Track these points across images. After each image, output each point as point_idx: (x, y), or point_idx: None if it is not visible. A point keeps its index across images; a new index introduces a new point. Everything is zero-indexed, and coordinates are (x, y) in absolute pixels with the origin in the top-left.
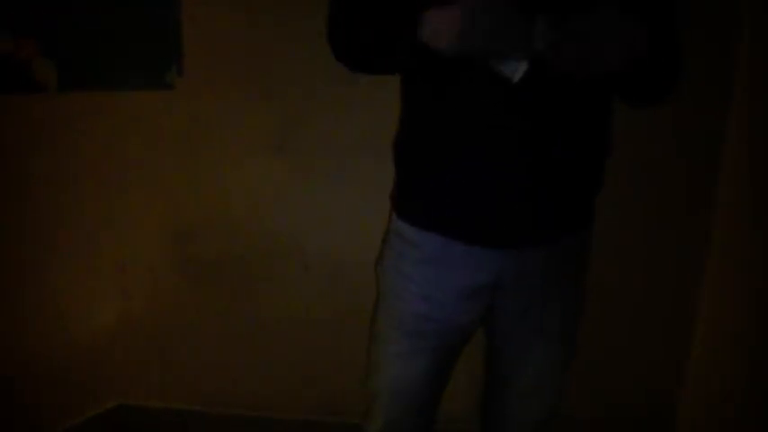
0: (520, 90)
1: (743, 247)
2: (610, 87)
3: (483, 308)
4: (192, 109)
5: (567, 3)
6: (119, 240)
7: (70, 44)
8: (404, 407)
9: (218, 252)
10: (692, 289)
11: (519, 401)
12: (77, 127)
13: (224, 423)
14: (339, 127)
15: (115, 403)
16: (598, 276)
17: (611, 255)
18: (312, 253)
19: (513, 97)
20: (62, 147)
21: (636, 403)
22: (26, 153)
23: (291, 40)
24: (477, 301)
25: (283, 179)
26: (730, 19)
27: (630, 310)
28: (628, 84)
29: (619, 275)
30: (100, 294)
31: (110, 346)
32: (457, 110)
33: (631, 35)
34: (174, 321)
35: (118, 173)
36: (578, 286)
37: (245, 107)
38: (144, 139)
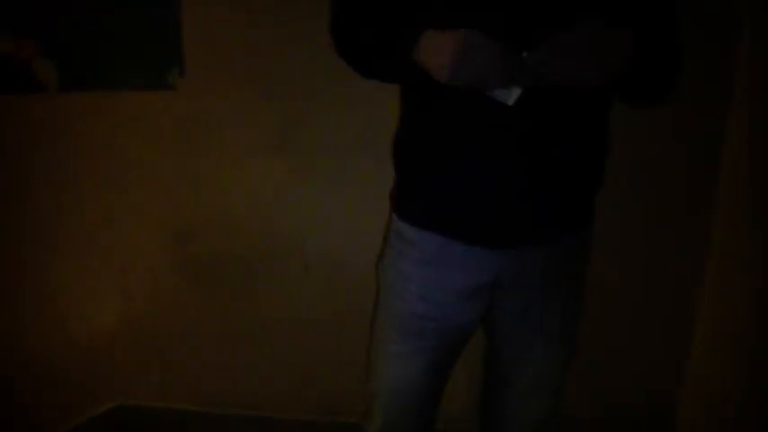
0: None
1: (743, 247)
2: (607, 91)
3: (482, 308)
4: (191, 109)
5: (552, 28)
6: (119, 240)
7: (70, 44)
8: (403, 406)
9: (218, 252)
10: (692, 289)
11: (519, 401)
12: (77, 127)
13: (224, 423)
14: (339, 127)
15: (115, 404)
16: (598, 276)
17: (611, 255)
18: (312, 253)
19: None
20: (62, 147)
21: (636, 403)
22: (26, 153)
23: (291, 40)
24: (476, 301)
25: (283, 179)
26: (730, 19)
27: (630, 310)
28: (626, 86)
29: (619, 275)
30: (100, 294)
31: (110, 346)
32: (457, 110)
33: (614, 45)
34: (174, 321)
35: (118, 173)
36: (578, 286)
37: (245, 107)
38: (144, 139)
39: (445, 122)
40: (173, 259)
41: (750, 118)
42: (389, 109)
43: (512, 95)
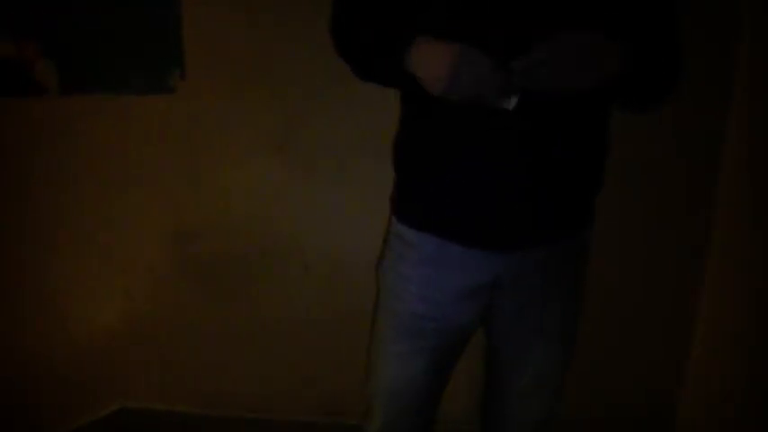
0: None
1: (743, 247)
2: (605, 97)
3: (482, 308)
4: (192, 109)
5: (551, 33)
6: (119, 240)
7: (71, 45)
8: (403, 407)
9: (218, 252)
10: (692, 289)
11: (519, 401)
12: (78, 127)
13: (224, 423)
14: (339, 127)
15: (116, 406)
16: (598, 276)
17: (611, 255)
18: (312, 253)
19: None
20: (62, 147)
21: (636, 403)
22: (27, 153)
23: (291, 40)
24: (476, 302)
25: (283, 179)
26: (730, 19)
27: (630, 310)
28: (626, 92)
29: (619, 275)
30: (100, 294)
31: (110, 347)
32: (456, 111)
33: (600, 53)
34: (174, 321)
35: (118, 173)
36: (578, 286)
37: (246, 107)
38: (144, 140)
39: (445, 124)
40: (173, 259)
41: (750, 118)
42: (390, 109)
43: (511, 102)
